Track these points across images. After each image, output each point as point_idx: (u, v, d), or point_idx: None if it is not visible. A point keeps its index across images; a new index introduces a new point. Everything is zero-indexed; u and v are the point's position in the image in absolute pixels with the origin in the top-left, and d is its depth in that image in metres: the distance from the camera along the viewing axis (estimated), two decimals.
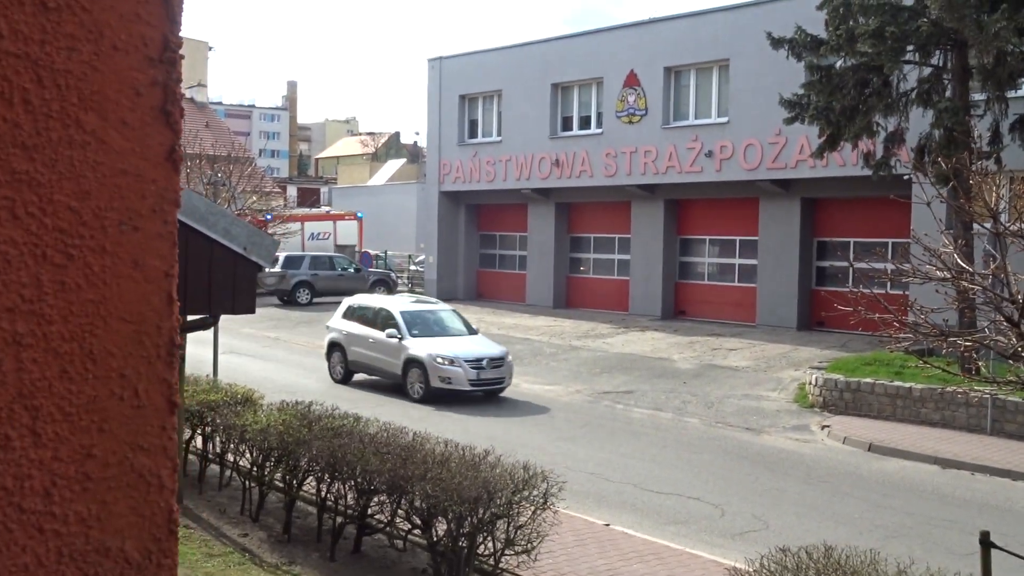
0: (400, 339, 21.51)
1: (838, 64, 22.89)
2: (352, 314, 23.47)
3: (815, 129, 24.11)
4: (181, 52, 1.03)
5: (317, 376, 23.72)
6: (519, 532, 9.56)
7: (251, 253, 9.31)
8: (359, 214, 50.29)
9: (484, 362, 20.94)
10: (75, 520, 0.93)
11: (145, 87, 0.98)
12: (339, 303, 24.91)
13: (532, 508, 9.61)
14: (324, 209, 44.21)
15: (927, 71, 22.31)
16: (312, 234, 47.75)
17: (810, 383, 21.10)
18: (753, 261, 32.43)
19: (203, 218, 9.00)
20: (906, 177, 22.28)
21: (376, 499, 10.46)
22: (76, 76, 0.92)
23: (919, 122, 22.38)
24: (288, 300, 40.16)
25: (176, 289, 0.96)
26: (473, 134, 41.56)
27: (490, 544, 9.64)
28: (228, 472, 13.46)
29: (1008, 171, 18.58)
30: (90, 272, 0.93)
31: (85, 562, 0.93)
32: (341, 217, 48.33)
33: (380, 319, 22.47)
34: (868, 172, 23.45)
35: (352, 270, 42.32)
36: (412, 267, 50.50)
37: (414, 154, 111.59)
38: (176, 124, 1.00)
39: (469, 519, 9.29)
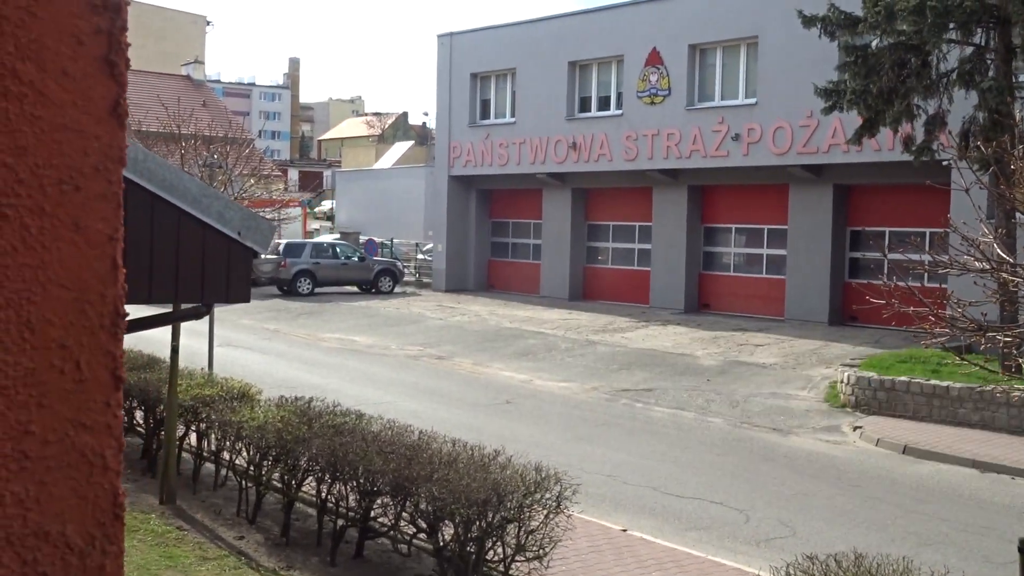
0: None
1: (874, 44, 22.78)
2: None
3: (849, 114, 24.01)
4: None
5: (319, 371, 23.76)
6: (530, 537, 9.55)
7: (246, 238, 9.32)
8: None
9: None
10: (11, 502, 0.91)
11: (88, 35, 0.96)
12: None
13: (544, 512, 9.60)
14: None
15: (968, 51, 22.18)
16: None
17: (841, 381, 21.04)
18: (782, 251, 32.35)
19: (196, 201, 9.01)
20: (945, 163, 22.17)
21: (379, 501, 10.47)
22: (12, 22, 0.90)
23: (960, 104, 22.26)
24: (288, 290, 40.25)
25: (121, 254, 0.95)
26: (485, 115, 41.54)
27: (500, 550, 9.63)
28: (224, 471, 13.50)
29: None
30: (27, 234, 0.91)
31: (23, 547, 0.92)
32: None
33: None
34: (905, 157, 23.35)
35: (356, 259, 42.38)
36: (420, 256, 50.54)
37: (422, 136, 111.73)
38: (121, 76, 0.99)
39: (477, 523, 9.29)
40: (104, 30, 0.96)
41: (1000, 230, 8.71)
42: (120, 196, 0.96)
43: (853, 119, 26.13)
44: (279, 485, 11.90)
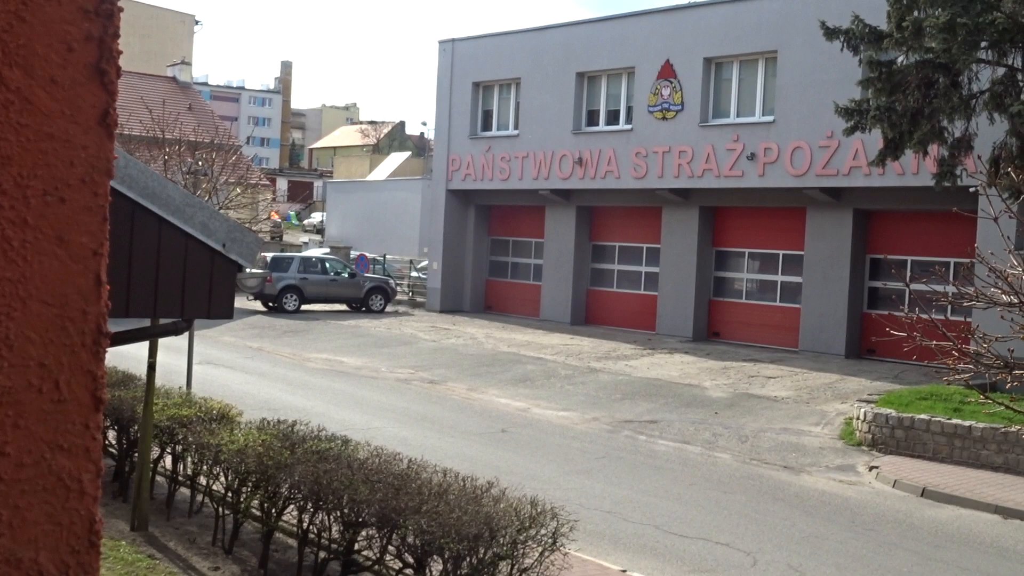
0: None
1: (900, 60, 22.84)
2: None
3: (870, 134, 24.04)
4: (119, 3, 1.02)
5: (303, 393, 23.73)
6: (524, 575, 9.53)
7: (231, 251, 9.33)
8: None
9: None
10: None
11: (78, 42, 0.97)
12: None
13: (539, 549, 9.57)
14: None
15: (1000, 71, 22.24)
16: None
17: (858, 418, 21.02)
18: (798, 279, 32.37)
19: (178, 210, 9.03)
20: (972, 189, 22.19)
21: (364, 533, 10.44)
22: (0, 27, 0.91)
23: (987, 129, 22.31)
24: (274, 306, 40.25)
25: (106, 270, 0.95)
26: (487, 127, 41.65)
27: None
28: (200, 497, 13.47)
29: None
30: (8, 247, 0.92)
31: None
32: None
33: None
34: (930, 182, 23.38)
35: (346, 275, 42.40)
36: (414, 273, 50.57)
37: (420, 147, 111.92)
38: (111, 84, 1.00)
39: (468, 559, 9.26)
40: (95, 37, 0.97)
41: None
42: (106, 209, 0.97)
43: (875, 141, 26.16)
44: (258, 513, 11.87)
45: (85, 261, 0.96)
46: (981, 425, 18.93)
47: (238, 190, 36.87)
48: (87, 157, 0.96)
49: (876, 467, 18.73)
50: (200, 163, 35.10)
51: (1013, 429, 17.97)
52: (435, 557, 9.48)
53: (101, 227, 0.95)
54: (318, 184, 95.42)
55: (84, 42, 0.97)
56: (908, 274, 26.79)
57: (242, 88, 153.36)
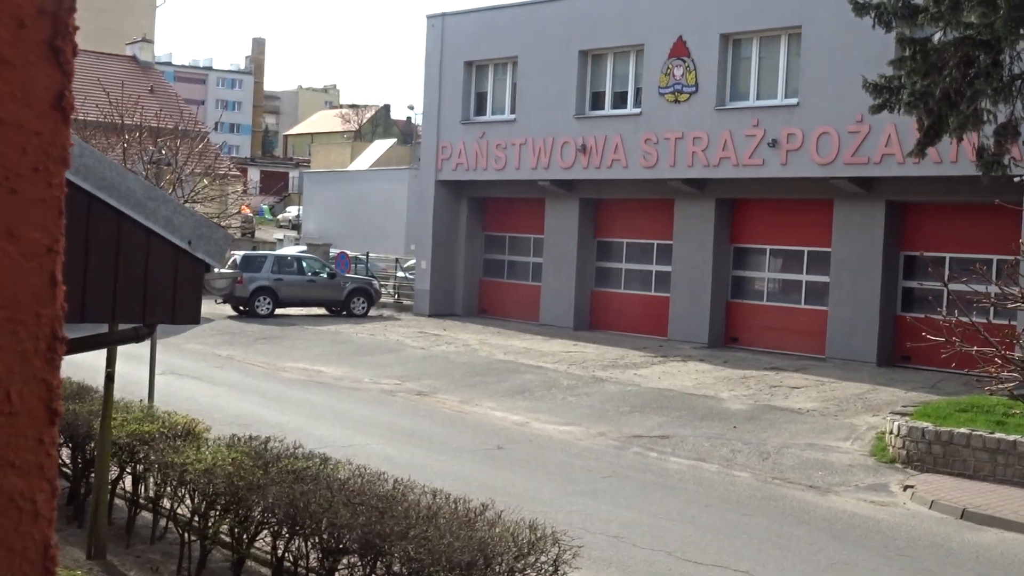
0: None
1: (936, 37, 22.85)
2: None
3: (906, 118, 24.05)
4: None
5: (278, 406, 23.74)
6: None
7: (197, 249, 9.33)
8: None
9: None
10: None
11: (30, 17, 0.97)
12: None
13: None
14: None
15: None
16: None
17: (891, 432, 21.04)
18: (824, 278, 32.41)
19: (140, 203, 9.02)
20: (1017, 179, 22.24)
21: (345, 560, 10.45)
22: None
23: None
24: (245, 310, 40.25)
25: (61, 269, 0.95)
26: (481, 110, 41.67)
27: None
28: (163, 521, 13.46)
29: None
30: None
31: None
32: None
33: None
34: (971, 171, 23.41)
35: (325, 275, 42.40)
36: (400, 274, 50.59)
37: (407, 133, 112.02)
38: (67, 64, 1.00)
39: None
40: (49, 12, 0.98)
41: None
42: (62, 202, 0.97)
43: (908, 125, 26.19)
44: (228, 539, 11.87)
45: (38, 259, 0.96)
46: None
47: (205, 181, 36.76)
48: (40, 144, 0.96)
49: (911, 486, 18.74)
50: (163, 151, 34.98)
51: None
52: None
53: (56, 221, 0.95)
54: (294, 174, 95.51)
55: (37, 17, 0.97)
56: (946, 273, 26.79)
57: (210, 68, 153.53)
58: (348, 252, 49.78)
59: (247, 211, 74.00)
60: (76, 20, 1.01)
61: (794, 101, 31.88)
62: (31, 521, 0.96)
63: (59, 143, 0.97)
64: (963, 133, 22.80)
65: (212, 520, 11.90)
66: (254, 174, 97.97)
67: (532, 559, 9.54)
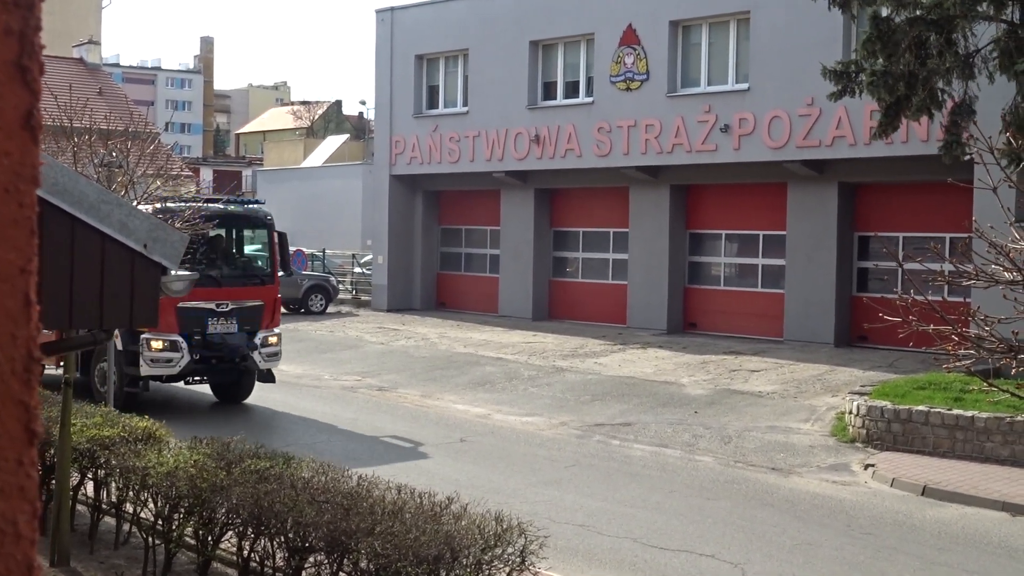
0: None
1: (892, 17, 22.89)
2: None
3: (857, 100, 24.12)
4: None
5: (238, 406, 23.62)
6: None
7: (153, 252, 9.25)
8: None
9: None
10: None
11: None
12: None
13: (507, 569, 9.59)
14: None
15: (1000, 28, 22.34)
16: None
17: (850, 412, 21.19)
18: (780, 261, 32.57)
19: (93, 207, 8.93)
20: (966, 157, 22.36)
21: (312, 559, 10.42)
22: None
23: (989, 90, 22.43)
24: None
25: (35, 289, 0.94)
26: (433, 104, 41.59)
27: None
28: (126, 526, 13.37)
29: None
30: None
31: None
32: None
33: None
34: (922, 151, 23.52)
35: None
36: (357, 269, 50.44)
37: (359, 129, 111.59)
38: (35, 83, 0.99)
39: None
40: (15, 31, 0.97)
41: None
42: (34, 222, 0.96)
43: (860, 107, 26.35)
44: (192, 542, 11.81)
45: (12, 280, 0.95)
46: (985, 415, 19.11)
47: (158, 183, 36.44)
48: (10, 164, 0.96)
49: (872, 465, 18.88)
50: (114, 154, 34.62)
51: (1019, 418, 18.20)
52: None
53: (29, 242, 0.95)
54: (247, 173, 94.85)
55: (3, 37, 0.96)
56: (901, 252, 26.92)
57: (158, 68, 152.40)
58: (304, 249, 49.53)
59: None
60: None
61: (745, 86, 32.01)
62: (13, 543, 0.95)
63: (29, 163, 0.96)
64: (921, 114, 22.88)
65: (176, 523, 11.83)
66: (207, 174, 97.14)
67: (499, 551, 9.54)
